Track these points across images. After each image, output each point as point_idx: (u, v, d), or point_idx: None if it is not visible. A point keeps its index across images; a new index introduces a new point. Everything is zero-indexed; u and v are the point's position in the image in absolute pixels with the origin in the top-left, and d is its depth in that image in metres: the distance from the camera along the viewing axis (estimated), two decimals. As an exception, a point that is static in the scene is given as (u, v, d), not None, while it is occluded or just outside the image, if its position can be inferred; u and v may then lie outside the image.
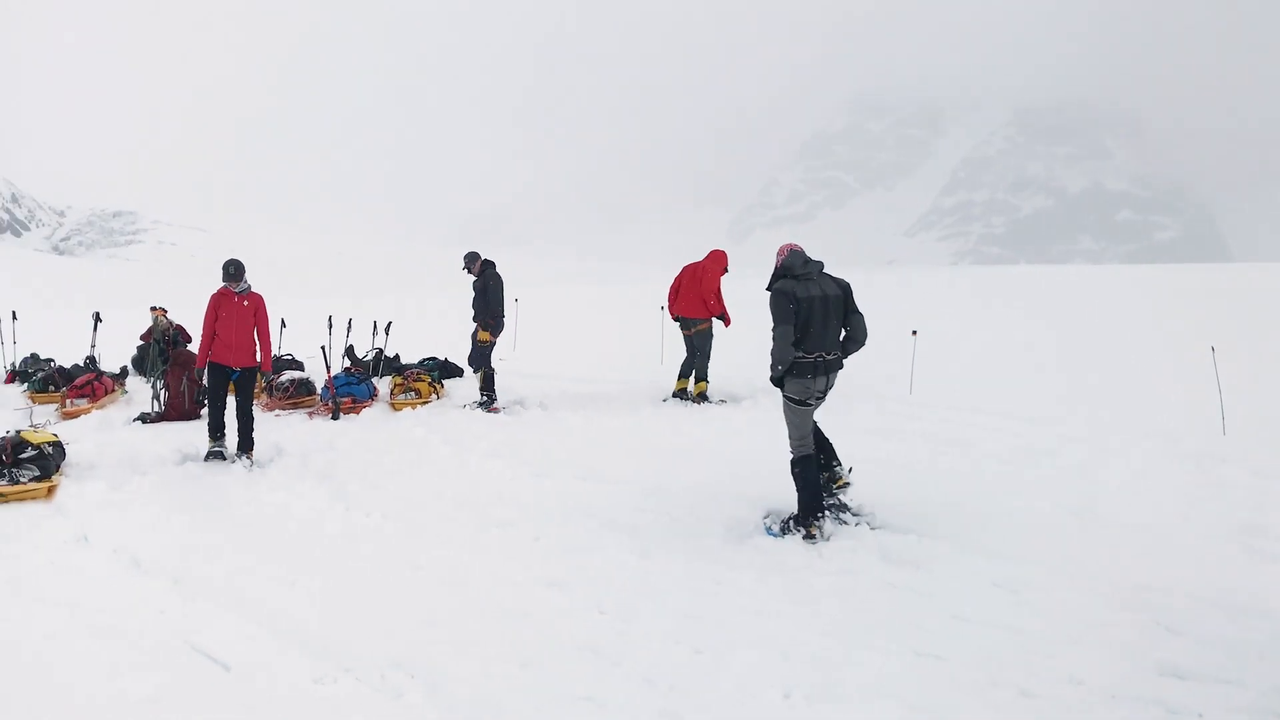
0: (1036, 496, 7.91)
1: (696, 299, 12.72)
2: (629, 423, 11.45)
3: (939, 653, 5.11)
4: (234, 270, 10.08)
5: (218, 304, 10.05)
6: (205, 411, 10.08)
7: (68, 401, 12.63)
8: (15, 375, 14.81)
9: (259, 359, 10.31)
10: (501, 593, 6.10)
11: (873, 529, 7.08)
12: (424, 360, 14.97)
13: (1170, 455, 9.28)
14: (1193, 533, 7.04)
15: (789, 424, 7.38)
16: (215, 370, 10.09)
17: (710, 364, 12.85)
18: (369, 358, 15.06)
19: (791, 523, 7.18)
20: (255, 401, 12.46)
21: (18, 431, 8.76)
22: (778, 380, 7.27)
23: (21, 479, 8.21)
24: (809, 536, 6.98)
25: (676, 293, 13.07)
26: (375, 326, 16.45)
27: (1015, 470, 8.86)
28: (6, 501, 8.11)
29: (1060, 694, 4.68)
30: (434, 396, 13.14)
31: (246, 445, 9.98)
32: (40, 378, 13.59)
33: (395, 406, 12.68)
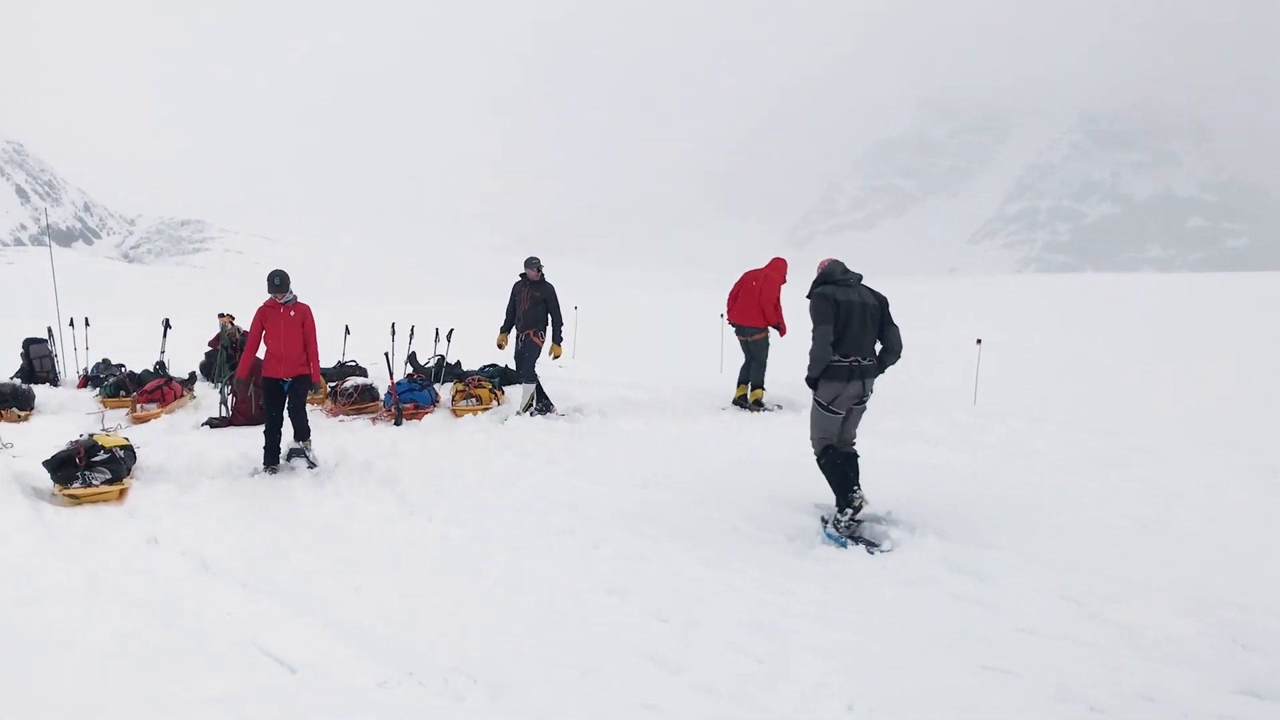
0: (1105, 508, 7.76)
1: (754, 307, 12.70)
2: (687, 430, 11.43)
3: (1006, 666, 5.02)
4: (279, 281, 9.99)
5: (264, 316, 10.01)
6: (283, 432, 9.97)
7: (138, 406, 12.87)
8: (87, 380, 15.11)
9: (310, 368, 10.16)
10: (562, 599, 6.11)
11: (938, 540, 6.98)
12: (485, 367, 15.04)
13: (1244, 467, 9.05)
14: (1269, 547, 6.86)
15: (812, 425, 7.65)
16: (270, 388, 9.97)
17: (767, 371, 12.79)
18: (431, 364, 15.17)
19: (837, 515, 7.33)
20: (320, 407, 12.65)
21: (91, 435, 8.94)
22: (812, 381, 7.49)
23: (94, 481, 8.38)
24: (854, 522, 7.22)
25: (735, 299, 13.05)
26: (437, 333, 16.57)
27: (1083, 481, 8.70)
28: (80, 503, 8.29)
29: (1132, 711, 4.58)
30: (495, 403, 13.20)
31: (302, 434, 10.01)
32: (111, 383, 13.86)
33: (456, 413, 12.78)
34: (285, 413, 10.01)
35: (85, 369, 15.66)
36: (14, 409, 12.44)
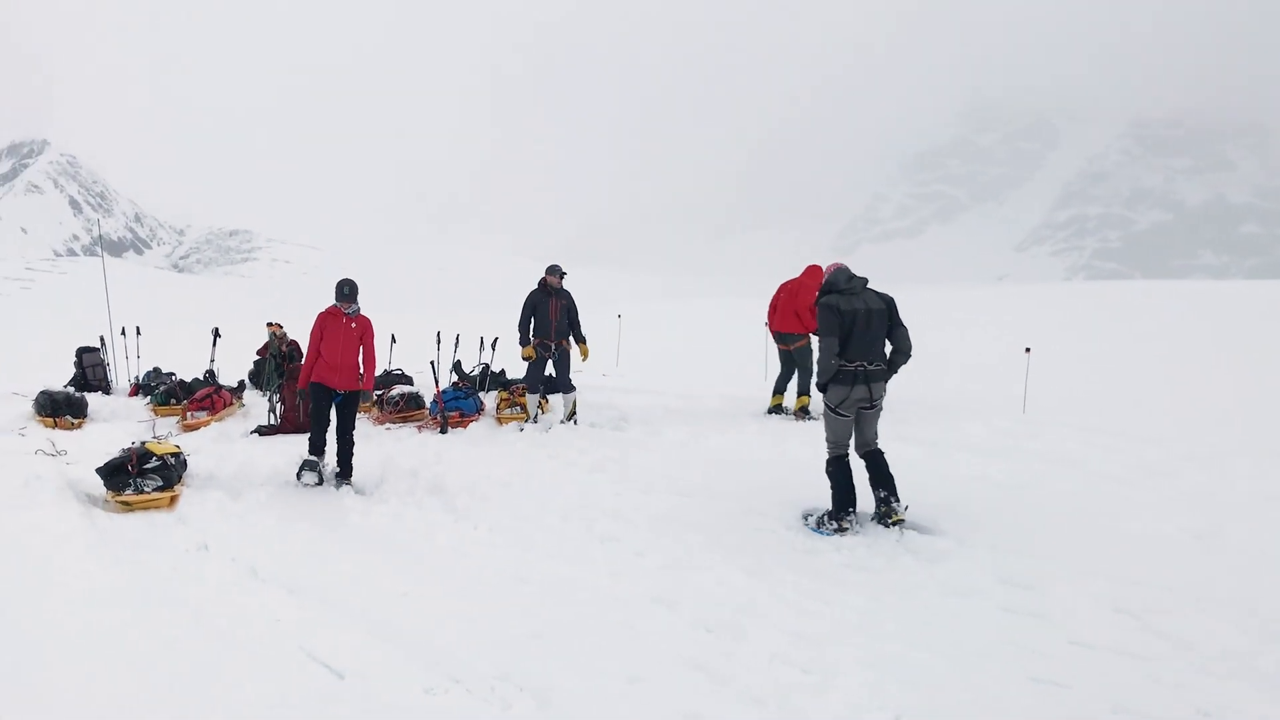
0: (1157, 519, 7.61)
1: (793, 315, 12.71)
2: (732, 438, 11.38)
3: (1058, 679, 4.94)
4: (348, 290, 9.84)
5: (324, 323, 9.77)
6: (330, 441, 9.87)
7: (188, 414, 13.04)
8: (139, 388, 15.35)
9: (363, 382, 9.92)
10: (607, 608, 6.10)
11: (987, 550, 6.89)
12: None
13: (1302, 478, 8.86)
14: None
15: (826, 429, 7.88)
16: (318, 391, 9.74)
17: (812, 379, 12.76)
18: (475, 373, 15.25)
19: (826, 517, 7.68)
20: (365, 414, 12.70)
21: (143, 443, 9.06)
22: (821, 387, 7.79)
23: (146, 488, 8.49)
24: (840, 530, 7.51)
25: (774, 309, 13.13)
26: (481, 342, 16.66)
27: (1134, 492, 8.55)
28: (132, 510, 8.40)
29: (1191, 727, 4.49)
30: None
31: (346, 472, 9.63)
32: (162, 391, 14.05)
33: (501, 421, 12.83)
34: (333, 428, 9.81)
35: (136, 377, 15.91)
36: (68, 416, 12.64)
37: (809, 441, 11.10)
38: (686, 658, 5.31)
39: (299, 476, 9.44)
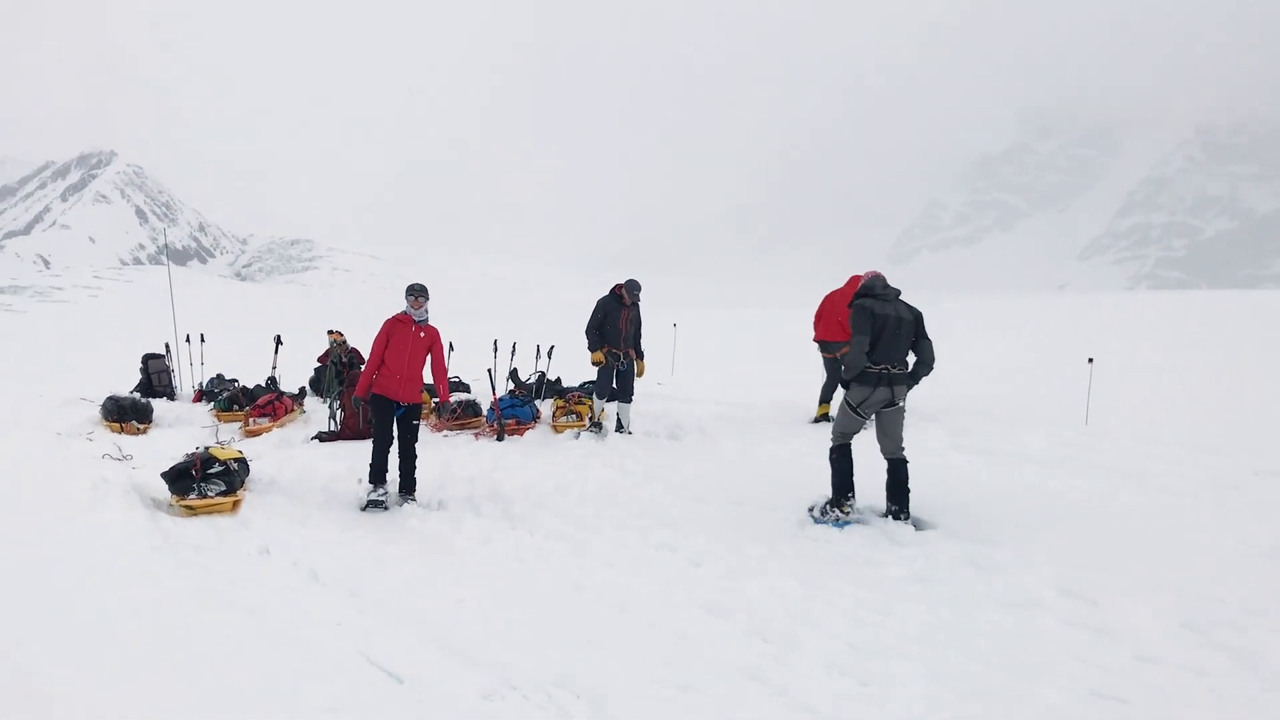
0: (1223, 533, 7.44)
1: (838, 324, 12.73)
2: (787, 448, 11.32)
3: (1120, 694, 4.85)
4: (418, 288, 9.49)
5: (390, 331, 9.30)
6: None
7: (250, 420, 13.24)
8: (202, 395, 15.62)
9: (429, 394, 9.51)
10: (663, 616, 6.10)
11: (1048, 563, 6.79)
12: (585, 384, 15.14)
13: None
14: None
15: (837, 420, 8.32)
16: (379, 405, 9.24)
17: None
18: (532, 380, 15.33)
19: (827, 505, 8.16)
20: (424, 422, 12.81)
21: (207, 448, 9.22)
22: (845, 383, 8.16)
23: (209, 493, 8.64)
24: (839, 516, 8.00)
25: (820, 319, 13.17)
26: (538, 350, 16.77)
27: (1199, 505, 8.36)
28: (196, 514, 8.55)
29: (1258, 745, 4.39)
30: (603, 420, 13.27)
31: (408, 486, 9.30)
32: (225, 397, 14.29)
33: (557, 429, 12.89)
34: (395, 443, 9.39)
35: (200, 384, 16.19)
36: (134, 422, 12.90)
37: (862, 451, 10.99)
38: (741, 667, 5.29)
39: (364, 509, 8.99)
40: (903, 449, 8.14)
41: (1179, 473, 9.45)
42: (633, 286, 12.62)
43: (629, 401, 12.68)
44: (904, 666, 5.21)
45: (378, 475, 9.18)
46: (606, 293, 12.71)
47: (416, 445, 9.47)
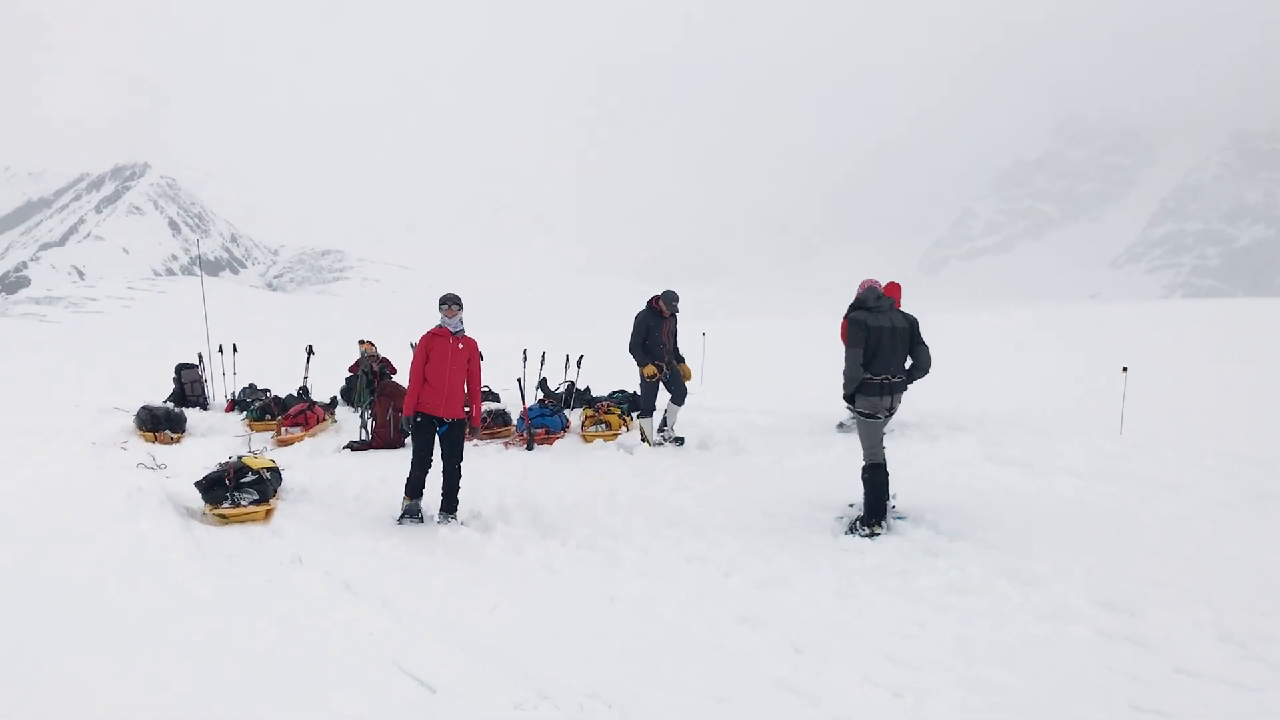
0: (1263, 544, 7.34)
1: None
2: (818, 458, 11.25)
3: (1159, 708, 4.78)
4: (451, 297, 9.26)
5: (428, 346, 9.03)
6: (407, 450, 9.48)
7: (282, 429, 13.31)
8: (235, 404, 15.72)
9: (470, 416, 9.22)
10: (695, 627, 6.07)
11: (1084, 574, 6.70)
12: (614, 393, 15.14)
13: None
14: None
15: (861, 436, 8.39)
16: (421, 425, 9.00)
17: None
18: (561, 390, 15.34)
19: (858, 522, 8.15)
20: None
21: (240, 457, 9.28)
22: (848, 397, 8.35)
23: (242, 502, 8.69)
24: (872, 535, 7.96)
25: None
26: (567, 360, 16.77)
27: (1238, 515, 8.26)
28: (229, 523, 8.60)
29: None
30: (624, 429, 13.27)
31: (450, 506, 8.97)
32: (258, 407, 14.37)
33: (586, 438, 12.88)
34: (436, 460, 9.11)
35: (233, 393, 16.30)
36: (168, 431, 13.00)
37: (895, 460, 10.90)
38: (774, 678, 5.25)
39: (400, 522, 8.84)
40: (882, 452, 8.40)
41: (1218, 483, 9.32)
42: (670, 298, 12.55)
43: (681, 403, 12.63)
44: (938, 678, 5.16)
45: (415, 489, 8.98)
46: (643, 307, 12.59)
47: (461, 464, 9.11)
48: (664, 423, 12.61)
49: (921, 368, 8.49)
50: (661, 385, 12.59)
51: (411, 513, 8.90)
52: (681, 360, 12.79)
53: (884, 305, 8.45)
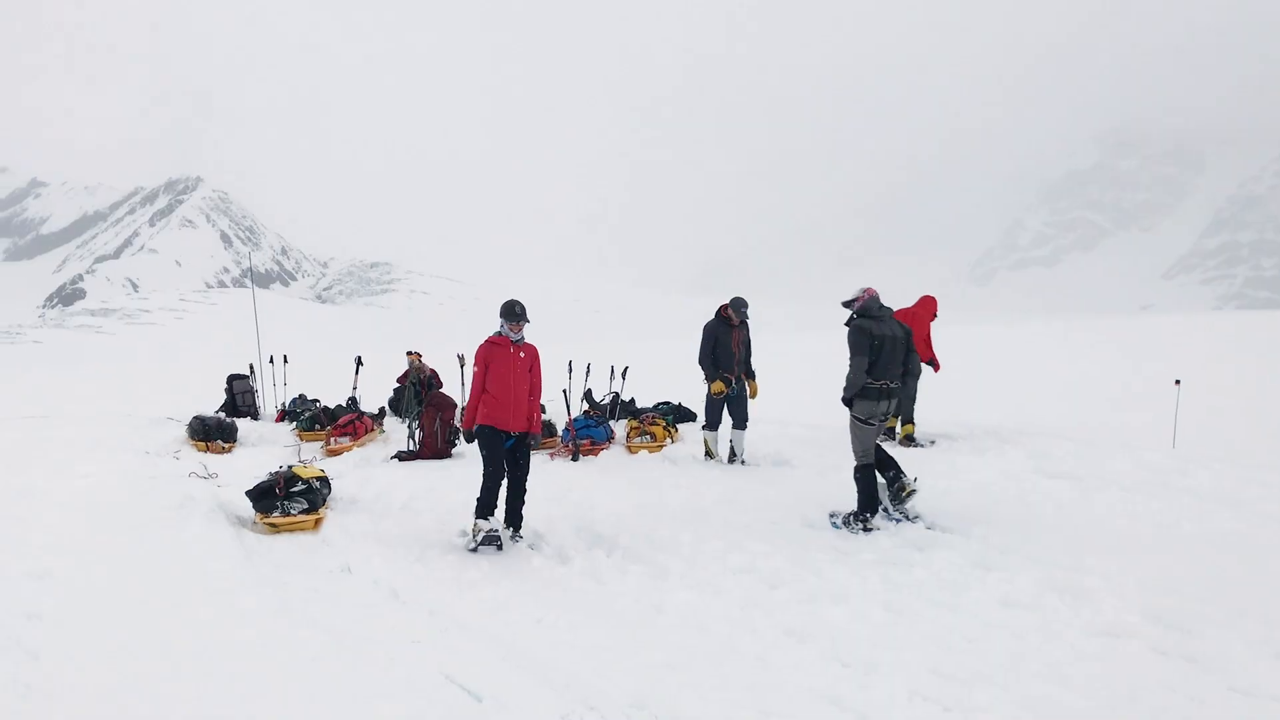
0: (1323, 561, 7.20)
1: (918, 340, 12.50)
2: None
3: (1216, 727, 4.70)
4: (519, 311, 8.71)
5: (488, 356, 8.62)
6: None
7: (332, 439, 13.45)
8: (285, 414, 15.90)
9: (533, 424, 8.79)
10: (741, 639, 6.05)
11: (1138, 590, 6.60)
12: (659, 404, 15.13)
13: None
14: None
15: (853, 439, 8.87)
16: (488, 437, 8.52)
17: (916, 406, 12.65)
18: (606, 401, 15.36)
19: (851, 518, 8.65)
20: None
21: (290, 467, 9.38)
22: (848, 401, 8.82)
23: (292, 511, 8.79)
24: (866, 529, 8.45)
25: None
26: (612, 371, 16.79)
27: (1297, 531, 8.10)
28: (279, 531, 8.70)
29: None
30: (669, 440, 13.24)
31: (515, 523, 8.66)
32: (307, 417, 14.54)
33: (631, 449, 12.87)
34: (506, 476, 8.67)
35: (283, 403, 16.50)
36: (219, 441, 13.19)
37: (944, 473, 10.79)
38: (820, 692, 5.22)
39: (474, 549, 8.22)
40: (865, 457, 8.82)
41: (1275, 499, 9.13)
42: (739, 305, 11.92)
43: (744, 428, 12.05)
44: (989, 693, 5.10)
45: (488, 508, 8.41)
46: (712, 317, 12.10)
47: (528, 480, 8.84)
48: (732, 452, 12.02)
49: (913, 374, 9.27)
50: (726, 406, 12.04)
51: (490, 539, 8.19)
52: (753, 376, 12.15)
53: (885, 314, 8.94)
